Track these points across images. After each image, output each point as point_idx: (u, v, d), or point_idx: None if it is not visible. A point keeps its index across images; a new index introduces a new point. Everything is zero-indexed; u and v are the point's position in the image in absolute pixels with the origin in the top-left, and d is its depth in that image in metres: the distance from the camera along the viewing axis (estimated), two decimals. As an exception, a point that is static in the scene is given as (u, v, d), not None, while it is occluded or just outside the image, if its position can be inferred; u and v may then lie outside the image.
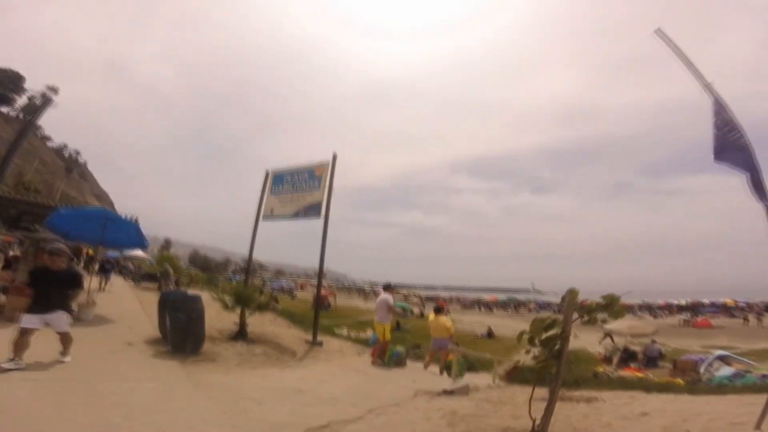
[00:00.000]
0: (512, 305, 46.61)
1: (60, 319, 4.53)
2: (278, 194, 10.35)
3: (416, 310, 32.13)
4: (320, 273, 10.23)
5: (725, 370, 8.64)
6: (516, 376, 7.25)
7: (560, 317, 4.00)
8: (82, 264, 15.04)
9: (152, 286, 15.42)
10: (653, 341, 14.57)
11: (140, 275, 20.49)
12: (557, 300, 41.16)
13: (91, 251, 15.34)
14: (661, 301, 33.34)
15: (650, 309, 31.72)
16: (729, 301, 31.15)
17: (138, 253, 22.60)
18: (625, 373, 9.78)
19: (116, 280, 15.34)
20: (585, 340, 14.69)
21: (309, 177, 9.83)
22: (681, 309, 31.74)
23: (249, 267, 11.68)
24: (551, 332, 3.87)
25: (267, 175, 10.67)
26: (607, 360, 13.27)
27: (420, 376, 7.42)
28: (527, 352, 3.99)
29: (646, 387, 6.41)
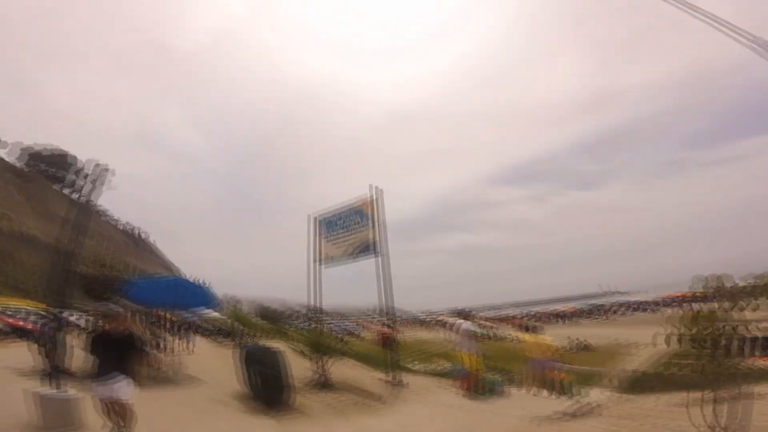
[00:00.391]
0: (602, 312, 41.86)
1: (119, 386, 4.05)
2: (332, 239, 10.26)
3: (490, 333, 30.24)
4: (389, 310, 9.87)
5: None
6: (634, 385, 6.19)
7: (716, 310, 3.32)
8: (167, 328, 15.99)
9: (230, 343, 15.89)
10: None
11: (219, 333, 21.40)
12: (648, 297, 36.72)
13: (174, 317, 16.31)
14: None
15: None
16: None
17: (213, 313, 23.86)
18: (761, 362, 8.03)
19: (198, 341, 16.01)
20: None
21: (356, 215, 9.72)
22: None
23: (319, 315, 11.62)
24: (711, 328, 3.20)
25: (313, 221, 10.68)
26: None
27: (527, 403, 6.60)
28: (682, 356, 3.29)
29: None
